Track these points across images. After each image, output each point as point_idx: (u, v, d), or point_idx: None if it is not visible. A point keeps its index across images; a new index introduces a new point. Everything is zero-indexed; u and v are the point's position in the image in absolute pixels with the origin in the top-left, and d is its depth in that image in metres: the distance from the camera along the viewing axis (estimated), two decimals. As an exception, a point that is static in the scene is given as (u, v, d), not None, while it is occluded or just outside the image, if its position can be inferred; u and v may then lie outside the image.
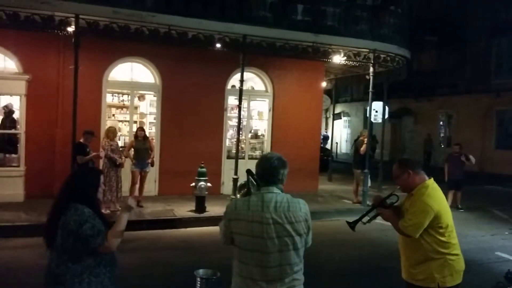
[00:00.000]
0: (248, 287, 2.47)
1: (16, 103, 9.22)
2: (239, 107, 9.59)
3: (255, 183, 2.65)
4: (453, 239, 3.22)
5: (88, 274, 2.68)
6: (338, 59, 10.05)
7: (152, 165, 9.18)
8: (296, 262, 2.50)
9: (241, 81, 9.35)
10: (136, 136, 8.95)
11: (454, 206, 10.11)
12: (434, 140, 21.56)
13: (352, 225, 3.47)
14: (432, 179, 3.31)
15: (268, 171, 2.53)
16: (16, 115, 9.28)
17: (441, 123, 22.35)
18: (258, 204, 2.46)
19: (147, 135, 9.33)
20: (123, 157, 8.58)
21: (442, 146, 21.37)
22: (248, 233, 2.44)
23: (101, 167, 8.37)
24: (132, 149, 8.91)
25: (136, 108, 10.74)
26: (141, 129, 9.09)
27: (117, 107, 10.71)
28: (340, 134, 27.21)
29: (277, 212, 2.44)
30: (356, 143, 11.22)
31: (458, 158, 10.41)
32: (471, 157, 10.37)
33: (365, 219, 3.45)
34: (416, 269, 3.20)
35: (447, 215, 3.21)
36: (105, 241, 2.67)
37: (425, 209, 3.10)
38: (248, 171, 2.78)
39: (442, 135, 22.22)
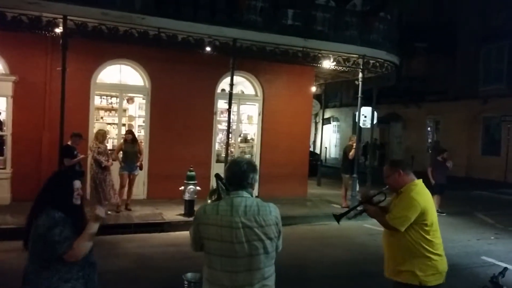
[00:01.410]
0: None
1: (3, 104, 9.09)
2: (229, 111, 9.56)
3: (224, 188, 2.63)
4: (437, 239, 3.31)
5: (57, 278, 2.63)
6: (327, 64, 10.10)
7: (141, 168, 9.13)
8: (267, 267, 2.45)
9: (231, 84, 9.35)
10: (125, 139, 8.90)
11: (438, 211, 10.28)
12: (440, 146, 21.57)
13: (338, 218, 3.60)
14: (421, 180, 3.42)
15: (237, 175, 2.51)
16: (2, 117, 9.15)
17: (428, 129, 22.59)
18: (228, 208, 2.43)
19: (136, 138, 9.27)
20: (110, 160, 8.49)
21: (430, 151, 21.59)
22: (218, 238, 2.40)
23: (88, 170, 8.29)
24: (121, 152, 8.85)
25: (124, 110, 10.65)
26: (130, 132, 9.06)
27: (106, 109, 10.61)
28: (329, 139, 27.34)
29: (246, 216, 2.41)
30: (344, 148, 11.28)
31: (443, 164, 10.65)
32: (450, 161, 10.80)
33: (351, 214, 3.55)
34: (400, 267, 3.27)
35: (433, 214, 3.32)
36: (70, 248, 2.61)
37: (412, 204, 3.21)
38: (217, 176, 2.77)
39: (429, 140, 22.46)
